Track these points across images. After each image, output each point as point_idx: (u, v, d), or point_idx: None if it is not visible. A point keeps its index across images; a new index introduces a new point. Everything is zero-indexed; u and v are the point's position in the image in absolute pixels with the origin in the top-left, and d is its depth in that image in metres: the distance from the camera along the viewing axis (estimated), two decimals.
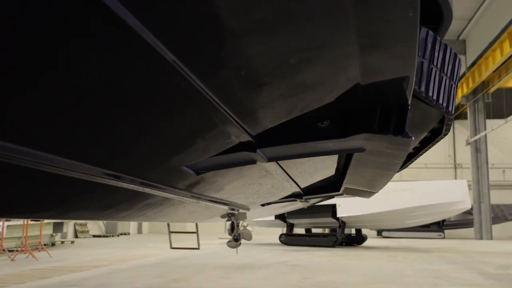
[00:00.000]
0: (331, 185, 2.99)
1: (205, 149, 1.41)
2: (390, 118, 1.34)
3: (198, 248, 8.03)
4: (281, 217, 14.03)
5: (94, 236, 21.92)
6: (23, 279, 6.29)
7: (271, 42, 0.89)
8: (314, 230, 15.48)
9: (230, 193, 2.31)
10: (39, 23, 0.63)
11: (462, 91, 18.94)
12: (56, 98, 0.83)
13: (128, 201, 1.76)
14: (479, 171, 18.62)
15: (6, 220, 11.32)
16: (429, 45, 1.44)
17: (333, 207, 12.99)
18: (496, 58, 15.56)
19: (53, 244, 14.34)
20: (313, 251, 11.42)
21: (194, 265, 7.96)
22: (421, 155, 2.46)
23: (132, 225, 26.27)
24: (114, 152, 1.20)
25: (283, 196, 3.03)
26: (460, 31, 18.59)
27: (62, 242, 15.88)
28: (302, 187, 2.77)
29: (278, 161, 1.82)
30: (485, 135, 18.44)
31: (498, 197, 21.34)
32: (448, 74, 1.59)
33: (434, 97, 1.53)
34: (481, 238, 18.08)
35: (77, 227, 21.21)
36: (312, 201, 3.99)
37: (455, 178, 23.85)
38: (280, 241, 14.28)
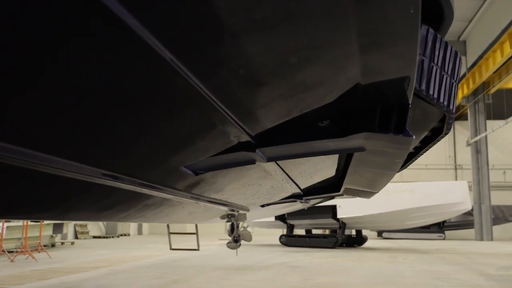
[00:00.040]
0: (331, 186, 2.98)
1: (204, 150, 1.40)
2: (390, 116, 1.32)
3: (198, 249, 8.01)
4: (281, 218, 14.02)
5: (94, 237, 21.91)
6: (22, 280, 6.28)
7: (271, 42, 0.89)
8: (314, 231, 15.46)
9: (230, 194, 2.30)
10: (36, 23, 0.63)
11: (462, 92, 18.93)
12: (54, 98, 0.83)
13: (127, 202, 1.76)
14: (479, 172, 18.60)
15: (5, 221, 11.30)
16: (430, 43, 1.43)
17: (333, 208, 12.98)
18: (497, 59, 15.55)
19: (53, 245, 14.33)
20: (313, 252, 11.41)
21: (194, 266, 7.95)
22: (421, 154, 2.44)
23: (132, 226, 26.26)
24: (112, 152, 1.19)
25: (283, 197, 3.02)
26: (461, 32, 18.58)
27: (62, 243, 15.87)
28: (302, 188, 2.76)
29: (278, 162, 1.81)
30: (486, 136, 18.43)
31: (498, 198, 21.31)
32: (449, 73, 1.57)
33: (435, 96, 1.52)
34: (481, 239, 18.06)
35: (77, 228, 21.20)
36: (312, 202, 3.98)
37: (456, 179, 23.83)
38: (280, 242, 14.27)
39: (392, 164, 1.88)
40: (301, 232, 15.28)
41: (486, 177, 18.48)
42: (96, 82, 0.83)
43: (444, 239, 19.29)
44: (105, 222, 22.54)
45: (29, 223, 11.44)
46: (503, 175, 24.12)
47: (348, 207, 12.72)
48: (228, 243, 4.62)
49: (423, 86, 1.45)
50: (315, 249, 12.36)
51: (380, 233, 20.14)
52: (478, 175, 18.61)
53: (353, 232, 14.55)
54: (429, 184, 13.20)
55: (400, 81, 1.18)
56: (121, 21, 0.68)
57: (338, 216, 12.99)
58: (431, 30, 1.41)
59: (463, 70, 18.49)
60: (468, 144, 19.17)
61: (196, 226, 7.71)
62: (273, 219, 14.20)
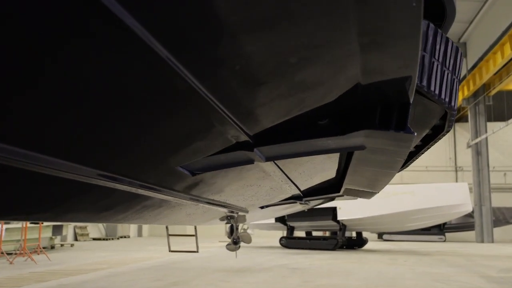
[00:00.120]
0: (331, 187, 2.95)
1: (202, 149, 1.38)
2: (391, 113, 1.30)
3: (197, 251, 7.99)
4: (281, 220, 14.00)
5: (94, 239, 21.89)
6: (21, 283, 6.25)
7: (270, 41, 0.88)
8: (314, 233, 15.44)
9: (228, 195, 2.28)
10: (35, 23, 0.62)
11: (462, 94, 18.93)
12: (51, 98, 0.82)
13: (125, 203, 1.74)
14: (480, 174, 18.59)
15: (4, 223, 11.28)
16: (430, 38, 1.40)
17: (333, 210, 12.95)
18: (497, 61, 15.55)
19: (52, 247, 14.31)
20: (313, 254, 11.38)
21: (193, 268, 7.92)
22: (422, 153, 2.41)
23: (132, 228, 26.23)
24: (109, 152, 1.18)
25: (282, 198, 3.00)
26: (461, 33, 18.58)
27: (62, 245, 15.85)
28: (301, 189, 2.74)
29: (277, 162, 1.79)
30: (486, 138, 18.42)
31: (499, 200, 21.30)
32: (450, 68, 1.54)
33: (436, 92, 1.49)
34: (482, 241, 18.03)
35: (77, 230, 21.18)
36: (312, 203, 3.96)
37: (456, 181, 23.81)
38: (281, 244, 14.24)
39: (393, 163, 1.85)
40: (301, 234, 15.26)
41: (487, 179, 18.47)
42: (94, 82, 0.82)
43: (444, 241, 19.27)
44: (104, 224, 22.58)
45: (28, 225, 11.43)
46: (504, 177, 24.09)
47: (348, 209, 12.70)
48: (228, 245, 4.60)
49: (424, 82, 1.42)
50: (315, 251, 12.34)
51: (380, 235, 20.11)
52: (478, 177, 18.60)
53: (354, 234, 14.53)
54: (429, 186, 13.16)
55: (401, 80, 1.16)
56: (120, 21, 0.67)
57: (338, 218, 12.97)
58: (431, 25, 1.38)
59: (463, 72, 18.49)
60: (469, 146, 19.16)
61: (195, 228, 7.69)
62: (273, 221, 14.18)
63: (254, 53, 0.90)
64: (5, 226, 11.40)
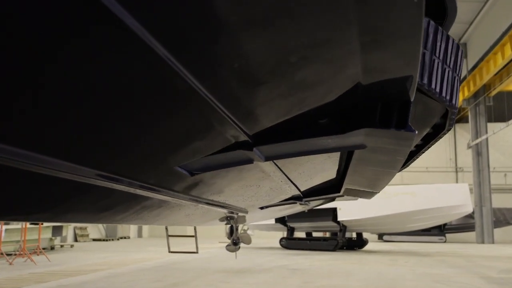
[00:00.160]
0: (332, 187, 2.94)
1: (201, 150, 1.37)
2: (392, 112, 1.28)
3: (197, 252, 7.97)
4: (281, 220, 13.97)
5: (94, 240, 21.87)
6: (20, 283, 6.24)
7: (270, 40, 0.87)
8: (314, 234, 15.42)
9: (228, 196, 2.27)
10: (34, 23, 0.62)
11: (463, 94, 18.91)
12: (50, 98, 0.81)
13: (124, 204, 1.74)
14: (480, 175, 18.57)
15: (4, 224, 11.27)
16: (431, 36, 1.39)
17: (333, 210, 12.93)
18: (498, 61, 15.53)
19: (52, 248, 14.29)
20: (313, 255, 11.37)
21: (193, 269, 7.91)
22: (423, 152, 2.39)
23: (132, 229, 26.21)
24: (108, 152, 1.18)
25: (282, 199, 2.98)
26: (461, 34, 18.57)
27: (62, 246, 15.84)
28: (301, 189, 2.73)
29: (276, 163, 1.78)
30: (487, 139, 18.41)
31: (499, 201, 21.28)
32: (451, 66, 1.53)
33: (437, 90, 1.47)
34: (482, 242, 18.01)
35: (77, 231, 21.16)
36: (312, 204, 3.94)
37: (456, 182, 23.79)
38: (281, 245, 14.23)
39: (394, 162, 1.84)
40: (302, 235, 15.24)
41: (487, 180, 18.45)
42: (93, 82, 0.82)
43: (445, 242, 19.25)
44: (105, 225, 22.57)
45: (28, 225, 11.41)
46: (504, 177, 24.07)
47: (348, 210, 12.68)
48: (227, 245, 4.58)
49: (425, 80, 1.40)
50: (315, 252, 12.32)
51: (380, 236, 20.09)
52: (479, 178, 18.58)
53: (354, 235, 14.51)
54: (430, 186, 13.15)
55: (402, 79, 1.15)
56: (119, 21, 0.67)
57: (339, 218, 12.95)
58: (432, 22, 1.37)
59: (463, 72, 18.47)
60: (469, 147, 19.14)
61: (195, 228, 7.68)
62: (273, 221, 14.16)
63: (254, 53, 0.90)
64: (4, 227, 11.39)
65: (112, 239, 22.42)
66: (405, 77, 1.14)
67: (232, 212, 3.07)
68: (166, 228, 8.09)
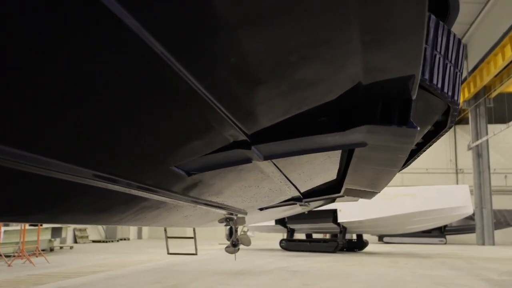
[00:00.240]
0: (332, 187, 2.91)
1: (199, 149, 1.35)
2: (393, 108, 1.26)
3: (196, 254, 7.93)
4: (281, 222, 13.96)
5: (94, 241, 21.85)
6: (18, 285, 6.22)
7: (269, 40, 0.86)
8: (314, 236, 15.40)
9: (226, 197, 2.25)
10: (33, 23, 0.62)
11: (463, 95, 18.90)
12: (49, 99, 0.81)
13: (122, 205, 1.73)
14: (481, 176, 18.55)
15: (3, 225, 11.24)
16: (432, 30, 1.36)
17: (334, 212, 12.92)
18: (498, 63, 15.53)
19: (51, 250, 14.27)
20: (313, 256, 11.34)
21: (193, 271, 7.89)
22: (424, 151, 2.35)
23: (132, 230, 26.19)
24: (106, 153, 1.16)
25: (282, 200, 2.96)
26: (462, 35, 18.57)
27: (61, 248, 15.81)
28: (301, 190, 2.70)
29: (276, 163, 1.76)
30: (487, 140, 18.40)
31: (500, 203, 21.26)
32: (452, 61, 1.50)
33: (439, 86, 1.44)
34: (483, 244, 17.99)
35: (77, 233, 21.14)
36: (312, 205, 3.92)
37: (457, 183, 23.76)
38: (281, 246, 14.21)
39: (395, 160, 1.81)
40: (302, 236, 15.21)
41: (488, 181, 18.44)
42: (92, 83, 0.81)
43: (445, 243, 19.23)
44: (104, 226, 22.56)
45: (27, 227, 11.39)
46: (505, 179, 24.07)
47: (348, 211, 12.66)
48: (227, 247, 4.55)
49: (426, 75, 1.37)
50: (315, 254, 12.30)
51: (381, 238, 20.07)
52: (479, 179, 18.57)
53: (354, 237, 14.48)
54: (430, 188, 13.14)
55: (404, 79, 1.13)
56: (119, 20, 0.67)
57: (339, 220, 12.94)
58: (433, 16, 1.34)
59: (464, 73, 18.47)
60: (469, 148, 19.14)
61: (194, 230, 7.65)
62: (273, 223, 14.14)
63: (253, 52, 0.89)
64: (3, 228, 11.37)
65: (112, 241, 22.40)
66: (407, 76, 1.12)
67: (231, 214, 3.05)
68: (165, 230, 8.06)
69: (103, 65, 0.77)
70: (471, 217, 17.99)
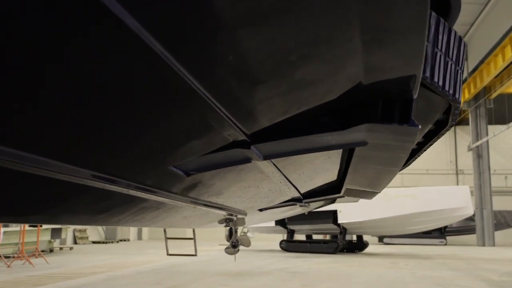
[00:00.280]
0: (332, 188, 2.90)
1: (198, 149, 1.35)
2: (394, 106, 1.25)
3: (195, 255, 7.92)
4: (281, 223, 13.94)
5: (94, 242, 21.82)
6: (17, 286, 6.21)
7: (269, 39, 0.86)
8: (315, 237, 15.38)
9: (226, 197, 2.24)
10: (33, 23, 0.62)
11: (463, 96, 18.88)
12: (48, 99, 0.81)
13: (121, 206, 1.73)
14: (481, 177, 18.53)
15: (3, 226, 11.23)
16: (433, 28, 1.34)
17: (334, 213, 12.90)
18: (498, 64, 15.52)
19: (51, 251, 14.25)
20: (313, 257, 11.33)
21: (193, 272, 7.87)
22: (425, 150, 2.33)
23: (132, 231, 26.16)
24: (105, 153, 1.16)
25: (282, 201, 2.95)
26: (462, 35, 18.50)
27: (61, 249, 15.78)
28: (301, 191, 2.69)
29: (275, 163, 1.75)
30: (487, 141, 18.39)
31: (500, 203, 21.24)
32: (454, 59, 1.48)
33: (440, 83, 1.42)
34: (483, 245, 17.97)
35: (76, 233, 21.11)
36: (312, 206, 3.91)
37: (457, 184, 23.75)
38: (281, 247, 14.19)
39: (396, 160, 1.80)
40: (302, 237, 15.20)
41: (488, 182, 18.42)
42: (92, 83, 0.81)
43: (445, 244, 19.19)
44: (104, 227, 22.54)
45: (27, 228, 11.37)
46: (505, 180, 24.05)
47: (349, 212, 12.65)
48: (226, 248, 4.54)
49: (427, 73, 1.36)
50: (315, 255, 12.28)
51: (381, 239, 20.04)
52: (479, 180, 18.55)
53: (354, 238, 14.47)
54: (430, 189, 13.13)
55: (405, 79, 1.12)
56: (119, 20, 0.67)
57: (339, 221, 12.92)
58: (433, 13, 1.33)
59: (464, 74, 18.44)
60: (470, 149, 19.12)
61: (194, 231, 7.64)
62: (273, 224, 14.13)
63: (253, 51, 0.88)
64: (3, 229, 11.35)
65: (112, 242, 22.37)
66: (408, 76, 1.11)
67: (231, 214, 3.04)
68: (165, 231, 8.05)
69: (102, 65, 0.77)
70: (471, 218, 17.96)
